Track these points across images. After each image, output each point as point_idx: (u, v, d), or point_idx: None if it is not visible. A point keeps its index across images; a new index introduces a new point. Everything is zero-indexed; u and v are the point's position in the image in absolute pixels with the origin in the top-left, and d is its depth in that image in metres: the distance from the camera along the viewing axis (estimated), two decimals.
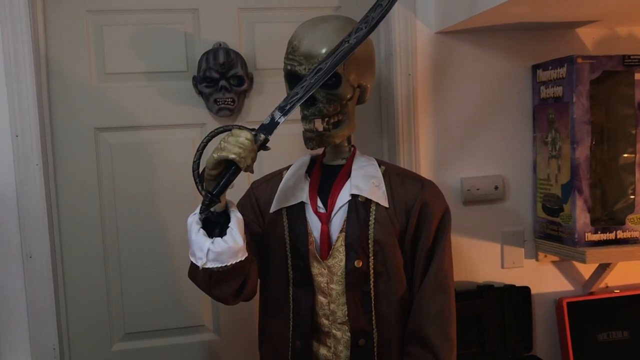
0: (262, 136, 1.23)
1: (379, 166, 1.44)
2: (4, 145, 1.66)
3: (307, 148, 1.40)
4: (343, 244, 1.36)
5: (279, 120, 1.26)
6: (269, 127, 1.25)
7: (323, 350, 1.41)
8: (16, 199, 1.67)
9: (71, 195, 1.78)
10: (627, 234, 1.77)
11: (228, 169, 1.21)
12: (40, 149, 1.67)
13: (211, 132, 1.25)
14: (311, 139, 1.38)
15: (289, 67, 1.36)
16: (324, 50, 1.30)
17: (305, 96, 1.27)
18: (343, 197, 1.38)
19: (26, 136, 1.66)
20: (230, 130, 1.23)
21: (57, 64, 1.75)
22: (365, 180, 1.39)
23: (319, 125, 1.38)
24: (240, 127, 1.22)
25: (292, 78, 1.37)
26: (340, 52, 1.26)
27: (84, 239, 1.79)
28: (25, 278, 1.69)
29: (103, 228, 1.80)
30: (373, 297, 1.37)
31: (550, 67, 1.83)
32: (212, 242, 1.21)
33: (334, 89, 1.34)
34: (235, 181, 1.63)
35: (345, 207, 1.38)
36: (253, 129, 1.23)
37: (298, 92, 1.27)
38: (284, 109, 1.26)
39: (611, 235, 1.76)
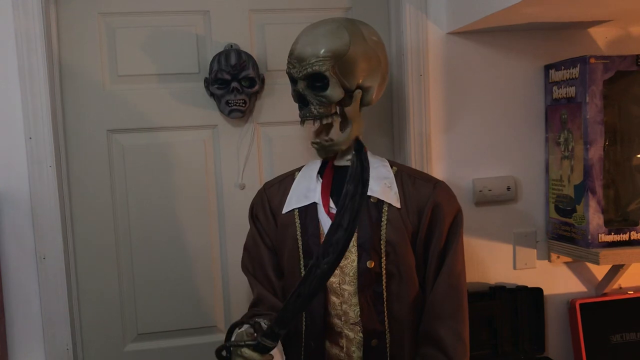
0: (270, 343, 1.19)
1: (391, 167, 1.44)
2: (18, 147, 1.67)
3: (320, 157, 1.43)
4: (355, 244, 1.36)
5: (279, 332, 1.19)
6: (272, 336, 1.19)
7: (335, 350, 1.41)
8: (30, 201, 1.68)
9: (84, 196, 1.79)
10: None
11: None
12: (53, 150, 1.69)
13: (222, 346, 1.24)
14: (318, 150, 1.42)
15: (287, 70, 1.42)
16: (311, 53, 1.34)
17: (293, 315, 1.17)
18: None
19: (39, 138, 1.67)
20: (242, 346, 1.21)
21: (69, 66, 1.76)
22: (377, 181, 1.39)
23: (321, 138, 1.41)
24: (252, 349, 1.20)
25: (291, 80, 1.42)
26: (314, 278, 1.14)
27: (97, 240, 1.80)
28: (39, 279, 1.70)
29: (115, 229, 1.81)
30: (385, 298, 1.37)
31: (562, 67, 1.82)
32: None
33: (322, 91, 1.35)
34: (246, 180, 1.63)
35: None
36: (258, 341, 1.20)
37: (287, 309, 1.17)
38: (282, 324, 1.18)
39: (625, 237, 1.75)
